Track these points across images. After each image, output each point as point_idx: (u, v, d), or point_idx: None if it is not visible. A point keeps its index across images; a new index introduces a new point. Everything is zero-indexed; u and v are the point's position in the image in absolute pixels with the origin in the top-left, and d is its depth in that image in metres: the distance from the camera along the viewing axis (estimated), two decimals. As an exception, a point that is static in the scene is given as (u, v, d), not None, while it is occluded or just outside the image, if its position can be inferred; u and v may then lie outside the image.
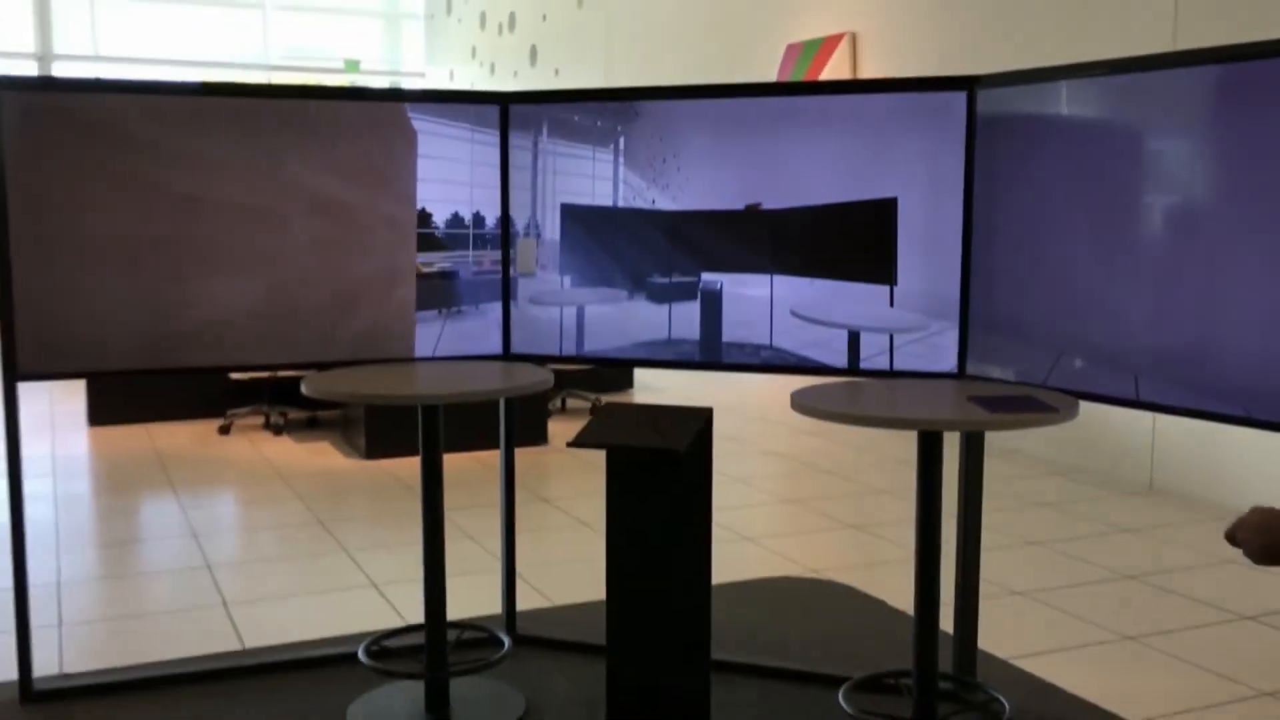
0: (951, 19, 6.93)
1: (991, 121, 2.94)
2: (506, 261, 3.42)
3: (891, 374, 3.09)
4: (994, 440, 6.50)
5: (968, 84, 2.97)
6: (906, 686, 2.93)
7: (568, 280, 3.37)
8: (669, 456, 2.64)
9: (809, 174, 3.13)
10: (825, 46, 7.96)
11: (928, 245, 3.03)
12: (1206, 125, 2.53)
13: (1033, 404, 2.61)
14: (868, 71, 7.63)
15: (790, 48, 8.37)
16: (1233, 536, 1.65)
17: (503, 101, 3.38)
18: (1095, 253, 2.74)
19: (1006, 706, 2.92)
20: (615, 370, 8.46)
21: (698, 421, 2.73)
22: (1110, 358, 2.71)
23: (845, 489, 5.76)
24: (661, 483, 2.68)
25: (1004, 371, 2.96)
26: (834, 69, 7.86)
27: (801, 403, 2.69)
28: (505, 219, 3.41)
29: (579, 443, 2.66)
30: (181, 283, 3.16)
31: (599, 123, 3.28)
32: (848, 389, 2.88)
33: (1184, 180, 2.57)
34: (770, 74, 8.55)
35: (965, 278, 3.01)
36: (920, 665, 2.82)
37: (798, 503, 5.53)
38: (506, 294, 3.43)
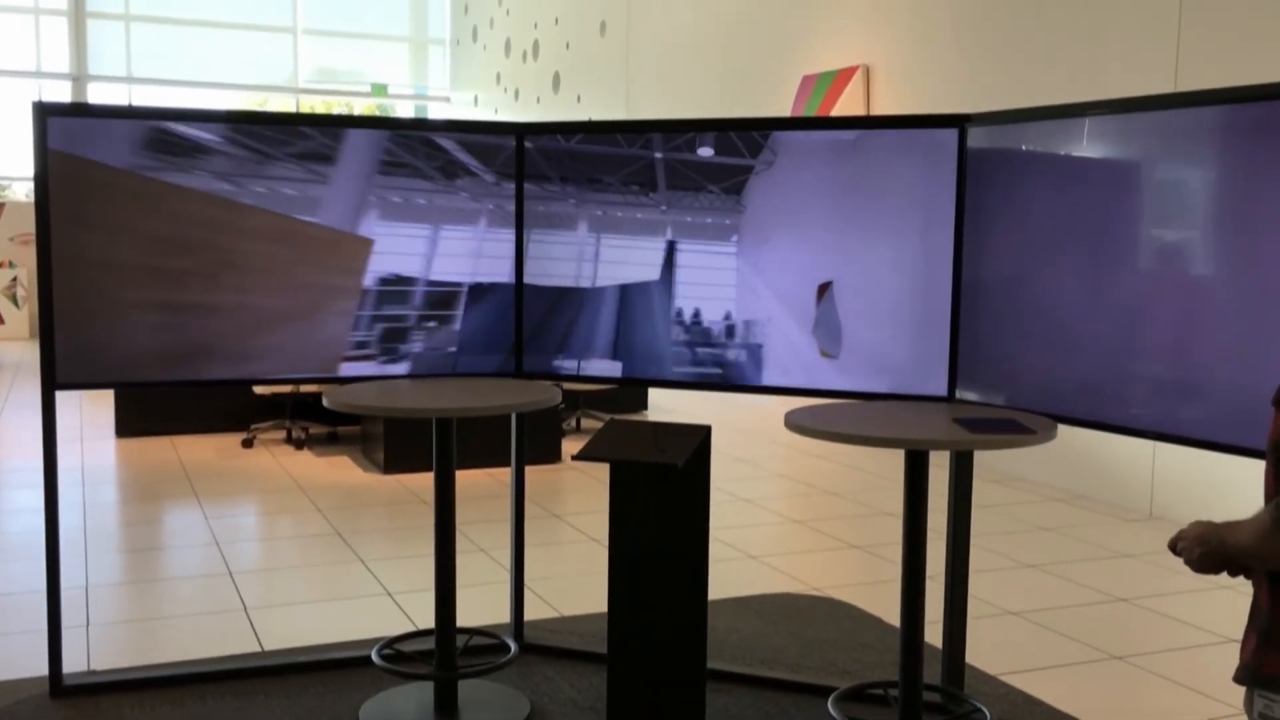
0: (964, 53, 7.09)
1: (986, 155, 3.09)
2: (520, 277, 3.58)
3: (886, 397, 3.23)
4: (998, 466, 6.61)
5: (959, 122, 3.12)
6: (893, 696, 3.06)
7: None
8: (668, 471, 2.79)
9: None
10: (840, 79, 8.13)
11: (927, 297, 3.18)
12: (1193, 164, 2.68)
13: (1013, 426, 2.75)
14: (881, 104, 7.79)
15: (806, 79, 8.55)
16: (1174, 546, 1.78)
17: (518, 132, 3.55)
18: (1081, 284, 2.88)
19: (988, 717, 3.05)
20: (630, 391, 8.61)
21: (696, 438, 2.88)
22: (1095, 385, 2.85)
23: (851, 510, 5.89)
24: (661, 495, 2.82)
25: (992, 396, 3.10)
26: (848, 101, 8.02)
27: (795, 422, 2.83)
28: (520, 237, 3.57)
29: (584, 456, 2.81)
30: (206, 300, 3.33)
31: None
32: (840, 410, 3.02)
33: (1171, 215, 2.72)
34: (786, 104, 8.72)
35: (955, 306, 3.15)
36: (905, 675, 2.94)
37: (803, 523, 5.66)
38: (519, 313, 3.59)
